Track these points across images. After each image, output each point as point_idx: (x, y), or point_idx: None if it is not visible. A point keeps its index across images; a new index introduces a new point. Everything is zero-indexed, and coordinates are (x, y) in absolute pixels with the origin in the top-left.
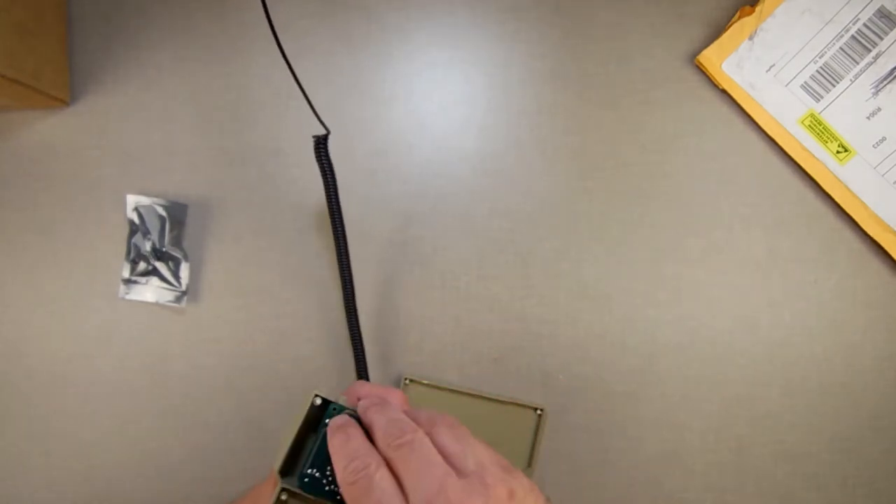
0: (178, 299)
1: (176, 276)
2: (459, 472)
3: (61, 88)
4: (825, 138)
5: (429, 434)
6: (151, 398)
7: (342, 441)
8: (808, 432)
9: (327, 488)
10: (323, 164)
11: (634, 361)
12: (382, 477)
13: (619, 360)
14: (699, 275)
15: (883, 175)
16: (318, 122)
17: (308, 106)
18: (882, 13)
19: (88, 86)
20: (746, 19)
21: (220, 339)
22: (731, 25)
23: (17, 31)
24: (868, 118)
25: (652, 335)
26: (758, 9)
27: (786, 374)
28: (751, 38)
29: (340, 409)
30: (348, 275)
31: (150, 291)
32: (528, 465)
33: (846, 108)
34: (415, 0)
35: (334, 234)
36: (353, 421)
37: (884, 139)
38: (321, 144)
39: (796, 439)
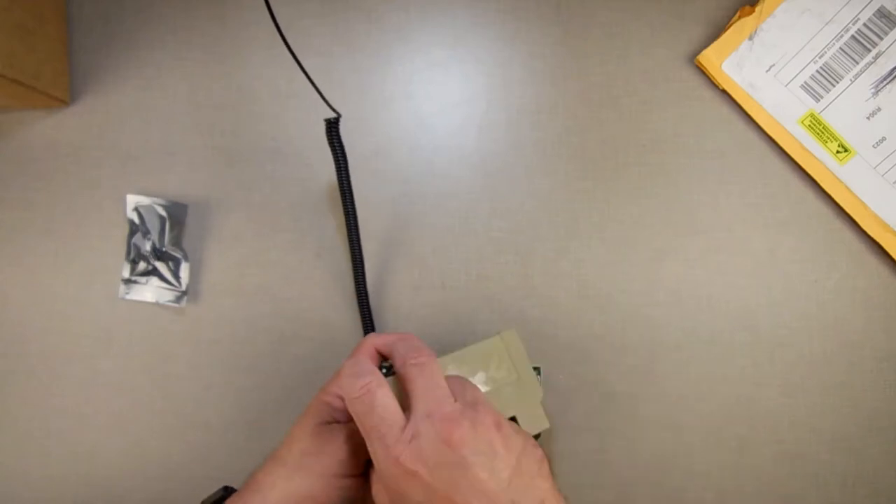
0: (178, 299)
1: (176, 276)
2: (458, 398)
3: (61, 88)
4: (825, 138)
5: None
6: (151, 398)
7: (351, 363)
8: (808, 432)
9: None
10: (335, 146)
11: (634, 361)
12: (385, 394)
13: (619, 360)
14: (699, 275)
15: (883, 175)
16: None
17: (318, 96)
18: (882, 13)
19: (88, 86)
20: (746, 19)
21: (220, 339)
22: (731, 25)
23: (17, 31)
24: (868, 118)
25: (652, 335)
26: (758, 9)
27: (786, 374)
28: (751, 38)
29: (390, 368)
30: (359, 256)
31: (150, 291)
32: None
33: (846, 108)
34: (415, 0)
35: (346, 215)
36: (367, 355)
37: (884, 139)
38: (333, 127)
39: (796, 439)
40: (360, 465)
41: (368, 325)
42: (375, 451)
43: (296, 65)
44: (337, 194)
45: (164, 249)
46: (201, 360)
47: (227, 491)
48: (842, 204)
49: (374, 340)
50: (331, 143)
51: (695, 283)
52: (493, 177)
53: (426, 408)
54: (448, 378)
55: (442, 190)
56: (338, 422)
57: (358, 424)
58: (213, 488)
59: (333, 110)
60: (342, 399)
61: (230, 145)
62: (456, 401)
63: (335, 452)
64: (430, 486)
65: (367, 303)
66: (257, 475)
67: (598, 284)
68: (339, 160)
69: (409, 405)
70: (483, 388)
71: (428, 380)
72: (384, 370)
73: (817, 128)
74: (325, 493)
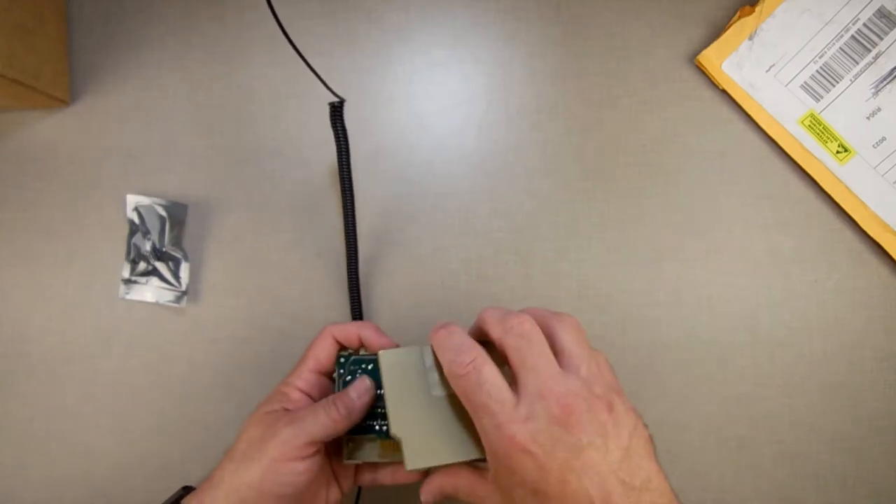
0: (178, 299)
1: (176, 276)
2: (570, 374)
3: (61, 88)
4: (825, 138)
5: (552, 329)
6: (151, 398)
7: (445, 335)
8: (808, 432)
9: (376, 427)
10: (338, 130)
11: (634, 361)
12: (491, 371)
13: (619, 360)
14: (699, 275)
15: (883, 175)
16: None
17: (318, 96)
18: (882, 13)
19: (88, 86)
20: (746, 19)
21: (220, 339)
22: (731, 25)
23: (17, 31)
24: (868, 118)
25: (652, 335)
26: (758, 9)
27: (786, 374)
28: (751, 38)
29: (349, 357)
30: (353, 242)
31: (150, 291)
32: None
33: (846, 108)
34: (415, 0)
35: (343, 199)
36: (454, 321)
37: (884, 139)
38: (337, 111)
39: (796, 439)
40: (305, 448)
41: (357, 309)
42: (485, 427)
43: (296, 65)
44: (338, 193)
45: (164, 249)
46: (201, 360)
47: (186, 490)
48: (842, 204)
49: (332, 330)
50: (334, 127)
51: (695, 283)
52: (493, 177)
53: (539, 386)
54: (564, 337)
55: (442, 190)
56: (286, 409)
57: (464, 402)
58: None
59: (336, 95)
60: (300, 390)
61: (230, 145)
62: (569, 373)
63: (276, 436)
64: (545, 466)
65: (358, 287)
66: (213, 471)
67: (598, 284)
68: (340, 144)
69: (518, 380)
70: (443, 390)
71: (538, 354)
72: (342, 359)
73: (817, 128)
74: (268, 480)
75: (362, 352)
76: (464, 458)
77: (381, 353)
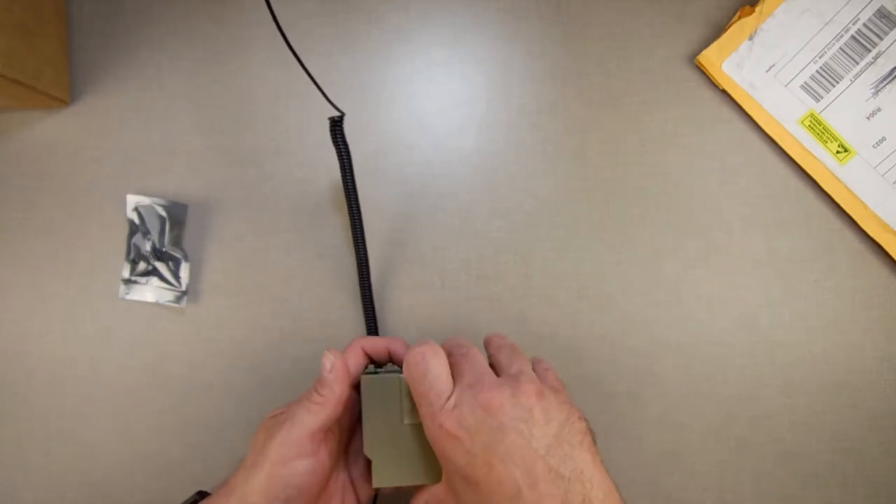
0: (178, 299)
1: (176, 276)
2: (502, 374)
3: (61, 88)
4: (825, 138)
5: (492, 354)
6: (151, 398)
7: (417, 343)
8: (808, 432)
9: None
10: (339, 145)
11: (634, 361)
12: (437, 364)
13: (619, 360)
14: (699, 275)
15: (883, 175)
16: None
17: (319, 96)
18: (882, 13)
19: (88, 86)
20: (746, 19)
21: (220, 339)
22: (731, 25)
23: (17, 31)
24: (868, 118)
25: (652, 335)
26: (758, 9)
27: (786, 374)
28: (751, 38)
29: (376, 372)
30: (364, 255)
31: (150, 291)
32: None
33: (846, 108)
34: (415, 0)
35: (350, 215)
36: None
37: (884, 139)
38: (337, 126)
39: (796, 439)
40: (304, 443)
41: (372, 325)
42: (423, 416)
43: (296, 65)
44: (337, 194)
45: (164, 249)
46: (201, 360)
47: (201, 495)
48: (842, 204)
49: (363, 342)
50: (335, 142)
51: (695, 283)
52: (493, 177)
53: (469, 380)
54: (500, 351)
55: (442, 190)
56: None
57: (413, 394)
58: (212, 488)
59: (336, 109)
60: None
61: (230, 145)
62: (500, 376)
63: (274, 438)
64: (470, 450)
65: (372, 302)
66: (229, 478)
67: (598, 284)
68: (343, 159)
69: (455, 380)
70: (413, 419)
71: (472, 361)
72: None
73: (817, 128)
74: (272, 484)
75: (388, 367)
76: (424, 481)
77: (363, 377)
